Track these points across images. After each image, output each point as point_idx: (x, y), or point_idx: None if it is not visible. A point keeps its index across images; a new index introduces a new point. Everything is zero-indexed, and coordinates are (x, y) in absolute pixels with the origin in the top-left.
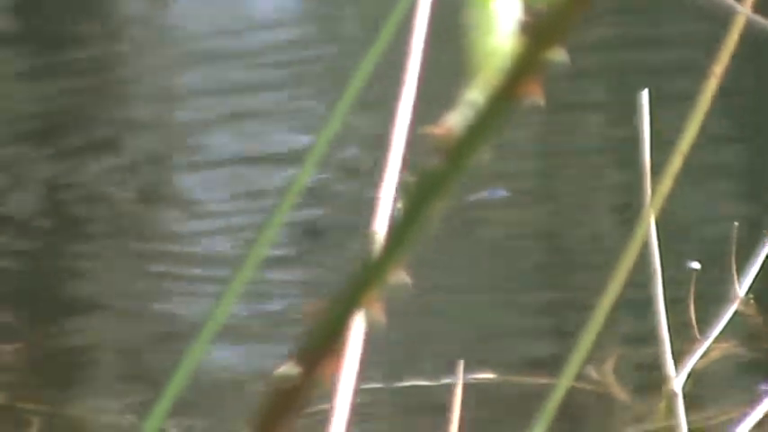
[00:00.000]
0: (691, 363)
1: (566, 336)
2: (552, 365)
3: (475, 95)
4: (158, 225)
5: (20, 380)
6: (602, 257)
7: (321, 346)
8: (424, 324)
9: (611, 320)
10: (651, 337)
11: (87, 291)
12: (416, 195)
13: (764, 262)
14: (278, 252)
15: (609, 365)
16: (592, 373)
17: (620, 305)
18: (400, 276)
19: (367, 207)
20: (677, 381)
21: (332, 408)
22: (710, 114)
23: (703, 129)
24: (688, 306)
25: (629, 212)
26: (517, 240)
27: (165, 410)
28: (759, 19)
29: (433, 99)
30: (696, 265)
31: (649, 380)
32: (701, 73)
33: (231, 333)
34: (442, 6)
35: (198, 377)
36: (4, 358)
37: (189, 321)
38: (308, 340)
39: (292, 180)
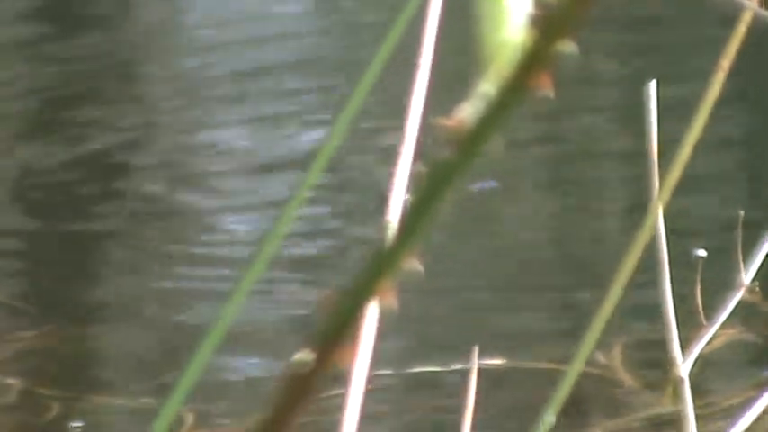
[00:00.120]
0: (697, 349)
1: (575, 322)
2: (562, 351)
3: (486, 88)
4: (178, 210)
5: (39, 366)
6: (611, 245)
7: (335, 333)
8: (434, 312)
9: (619, 307)
10: (658, 324)
11: (105, 279)
12: (428, 185)
13: None
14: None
15: (617, 351)
16: (600, 358)
17: (628, 293)
18: (413, 264)
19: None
20: (684, 366)
21: (346, 393)
22: (717, 109)
23: (710, 123)
24: (694, 293)
25: (638, 203)
26: (528, 228)
27: (182, 397)
28: (765, 13)
29: (444, 91)
30: (702, 252)
31: (656, 365)
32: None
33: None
34: (456, 3)
35: (213, 365)
36: (24, 345)
37: (207, 310)
38: (323, 328)
39: (301, 181)
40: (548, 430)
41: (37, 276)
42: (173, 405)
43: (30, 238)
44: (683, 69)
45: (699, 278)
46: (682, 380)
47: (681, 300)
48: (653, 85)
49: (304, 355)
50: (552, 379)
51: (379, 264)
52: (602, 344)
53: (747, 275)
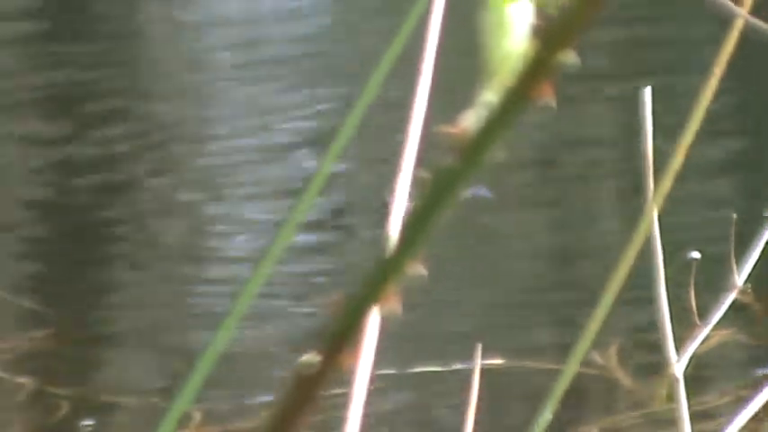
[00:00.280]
0: (691, 348)
1: (571, 323)
2: (559, 351)
3: (489, 96)
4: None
5: (50, 365)
6: (606, 248)
7: (340, 336)
8: (437, 313)
9: (615, 308)
10: (653, 324)
11: (114, 281)
12: (432, 192)
13: (762, 252)
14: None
15: (613, 351)
16: (596, 358)
17: (624, 294)
18: (417, 269)
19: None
20: (678, 366)
21: (350, 392)
22: (711, 111)
23: (704, 124)
24: (689, 294)
25: (633, 206)
26: (525, 232)
27: (192, 395)
28: (757, 22)
29: (448, 99)
30: (696, 254)
31: (651, 365)
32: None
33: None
34: (456, 9)
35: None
36: (35, 345)
37: (214, 308)
38: (329, 330)
39: (313, 175)
40: (545, 428)
41: (48, 277)
42: (181, 404)
43: (40, 239)
44: (679, 69)
45: (693, 280)
46: (676, 379)
47: (676, 299)
48: (648, 91)
49: (311, 357)
50: (550, 378)
51: (384, 269)
52: (599, 344)
53: (740, 277)
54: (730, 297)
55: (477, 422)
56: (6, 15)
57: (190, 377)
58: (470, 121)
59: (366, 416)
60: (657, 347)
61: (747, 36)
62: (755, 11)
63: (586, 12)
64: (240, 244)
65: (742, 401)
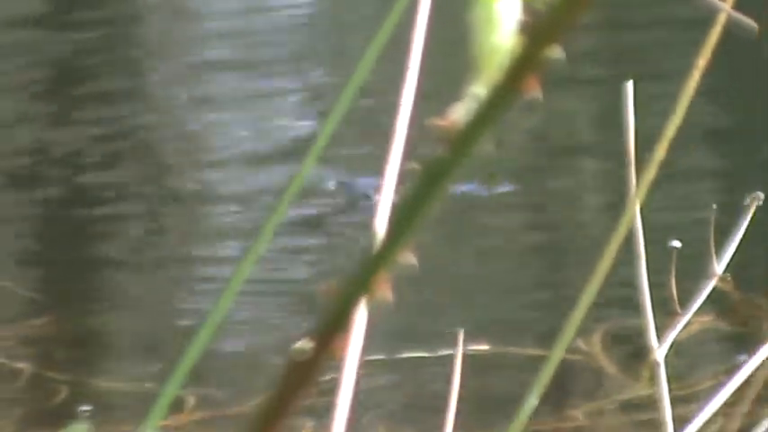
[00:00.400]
0: (672, 335)
1: (557, 311)
2: (544, 338)
3: (478, 90)
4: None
5: (48, 351)
6: (590, 240)
7: (332, 324)
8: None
9: (598, 297)
10: (635, 312)
11: (111, 271)
12: (422, 182)
13: (740, 242)
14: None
15: (596, 338)
16: (581, 345)
17: (607, 283)
18: (407, 258)
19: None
20: (659, 352)
21: (340, 377)
22: (693, 106)
23: (686, 120)
24: (669, 283)
25: (616, 200)
26: (512, 225)
27: (181, 380)
28: (740, 17)
29: (438, 92)
30: (677, 244)
31: (634, 351)
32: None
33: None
34: (446, 6)
35: (214, 349)
36: (34, 332)
37: (209, 299)
38: (321, 319)
39: (294, 176)
40: (531, 412)
41: (46, 265)
42: (171, 388)
43: (38, 227)
44: (660, 68)
45: (673, 268)
46: (658, 364)
47: (657, 288)
48: (630, 85)
49: (304, 344)
50: (535, 364)
51: (374, 260)
52: (583, 331)
53: (720, 266)
54: (710, 285)
55: (464, 406)
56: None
57: (179, 364)
58: (459, 113)
59: (355, 400)
60: (639, 334)
61: (731, 30)
62: (738, 6)
63: (573, 9)
64: (235, 225)
65: (721, 386)
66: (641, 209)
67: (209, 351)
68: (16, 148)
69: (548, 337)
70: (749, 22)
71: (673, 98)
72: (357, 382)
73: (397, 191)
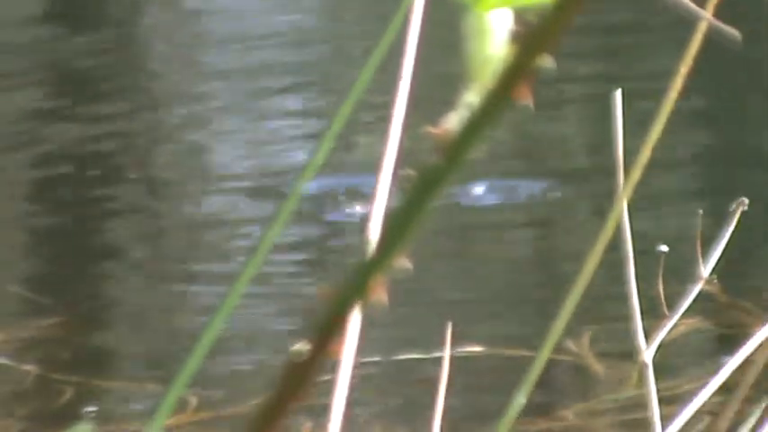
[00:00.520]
0: (660, 336)
1: (546, 313)
2: (534, 339)
3: (471, 98)
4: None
5: (54, 353)
6: (580, 242)
7: (329, 327)
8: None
9: (587, 298)
10: (624, 314)
11: (116, 273)
12: (416, 189)
13: (726, 246)
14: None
15: (585, 339)
16: (570, 345)
17: (596, 284)
18: (402, 263)
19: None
20: (647, 353)
21: (336, 378)
22: (677, 109)
23: (670, 124)
24: (657, 285)
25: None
26: (503, 232)
27: (185, 381)
28: (720, 24)
29: (432, 101)
30: (664, 248)
31: (622, 352)
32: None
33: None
34: (441, 17)
35: (217, 351)
36: (40, 333)
37: (210, 300)
38: (318, 322)
39: (293, 188)
40: (519, 411)
41: (52, 269)
42: (175, 389)
43: (44, 232)
44: (644, 72)
45: (661, 272)
46: (646, 365)
47: (645, 290)
48: (618, 93)
49: (301, 346)
50: (525, 364)
51: (370, 264)
52: (573, 333)
53: (706, 269)
54: (697, 288)
55: (454, 406)
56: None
57: (184, 366)
58: (453, 122)
59: (350, 401)
60: (628, 335)
61: (711, 37)
62: (718, 13)
63: (563, 18)
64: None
65: (702, 386)
66: (629, 210)
67: (211, 353)
68: (22, 157)
69: (537, 338)
70: (731, 30)
71: (657, 100)
72: (355, 383)
73: (390, 198)
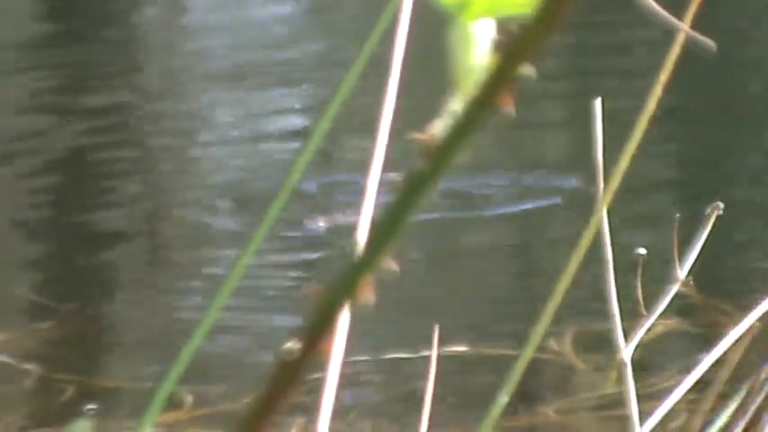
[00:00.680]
0: (638, 336)
1: (529, 313)
2: (517, 339)
3: (455, 106)
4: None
5: (54, 353)
6: (562, 246)
7: (318, 326)
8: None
9: (569, 299)
10: (603, 314)
11: (115, 276)
12: (403, 193)
13: (702, 249)
14: None
15: (567, 339)
16: (553, 345)
17: (577, 286)
18: (389, 264)
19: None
20: (626, 351)
21: (325, 376)
22: (655, 118)
23: (649, 132)
24: (635, 287)
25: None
26: (489, 237)
27: (177, 378)
28: (697, 35)
29: (418, 109)
30: (642, 251)
31: (602, 351)
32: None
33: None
34: (426, 27)
35: (210, 348)
36: (41, 335)
37: (202, 303)
38: (308, 321)
39: (284, 185)
40: (502, 408)
41: (53, 271)
42: (167, 386)
43: (45, 234)
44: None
45: (639, 274)
46: (625, 364)
47: (624, 292)
48: (598, 101)
49: (292, 345)
50: (509, 363)
51: (358, 265)
52: (555, 333)
53: (683, 271)
54: (673, 289)
55: (443, 403)
56: (17, 18)
57: (175, 364)
58: (438, 128)
59: (344, 398)
60: (608, 335)
61: (689, 47)
62: (695, 23)
63: (544, 29)
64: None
65: (677, 384)
66: (608, 216)
67: (206, 351)
68: (22, 152)
69: (520, 338)
70: (707, 41)
71: (636, 110)
72: (346, 381)
73: (377, 201)
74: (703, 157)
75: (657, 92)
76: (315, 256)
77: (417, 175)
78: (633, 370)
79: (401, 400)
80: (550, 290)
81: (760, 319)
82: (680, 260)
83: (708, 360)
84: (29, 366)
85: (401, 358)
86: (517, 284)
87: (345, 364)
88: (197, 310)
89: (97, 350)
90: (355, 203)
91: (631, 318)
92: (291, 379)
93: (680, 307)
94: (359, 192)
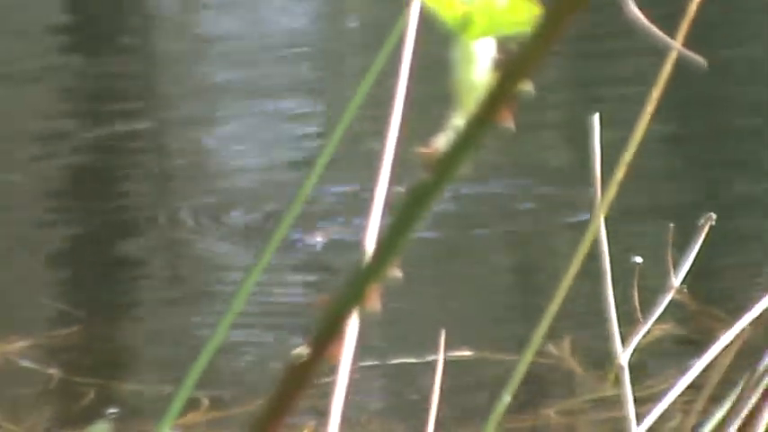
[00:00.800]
0: (634, 341)
1: (529, 320)
2: (518, 345)
3: (457, 121)
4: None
5: (75, 359)
6: (561, 254)
7: (327, 332)
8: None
9: (568, 306)
10: (601, 320)
11: (137, 280)
12: (407, 204)
13: (696, 257)
14: None
15: (566, 344)
16: (553, 350)
17: (576, 293)
18: (394, 273)
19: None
20: (623, 356)
21: (334, 381)
22: (648, 131)
23: (643, 144)
24: (632, 294)
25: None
26: (489, 246)
27: (193, 384)
28: (688, 53)
29: (422, 124)
30: (639, 259)
31: (600, 356)
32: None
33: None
34: (430, 46)
35: (225, 354)
36: (63, 341)
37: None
38: (317, 328)
39: (298, 192)
40: (505, 409)
41: (74, 280)
42: (185, 390)
43: (67, 248)
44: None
45: (636, 281)
46: (622, 368)
47: (621, 298)
48: (596, 117)
49: (302, 350)
50: (510, 367)
51: (365, 273)
52: (555, 338)
53: (677, 279)
54: (668, 296)
55: (447, 405)
56: (37, 31)
57: (192, 369)
58: (441, 142)
59: (353, 401)
60: (605, 340)
61: (682, 64)
62: (687, 41)
63: (542, 48)
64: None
65: (674, 386)
66: (606, 225)
67: (222, 357)
68: (46, 158)
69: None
70: (698, 57)
71: (633, 121)
72: (354, 385)
73: (384, 212)
74: (698, 170)
75: (651, 107)
76: (312, 272)
77: (421, 188)
78: (630, 373)
79: (408, 402)
80: (550, 297)
81: (750, 325)
82: (675, 268)
83: (701, 364)
84: (52, 371)
85: (408, 363)
86: (518, 292)
87: (354, 368)
88: (215, 318)
89: (117, 355)
90: (348, 218)
91: (628, 324)
92: (301, 383)
93: (674, 313)
94: (356, 204)
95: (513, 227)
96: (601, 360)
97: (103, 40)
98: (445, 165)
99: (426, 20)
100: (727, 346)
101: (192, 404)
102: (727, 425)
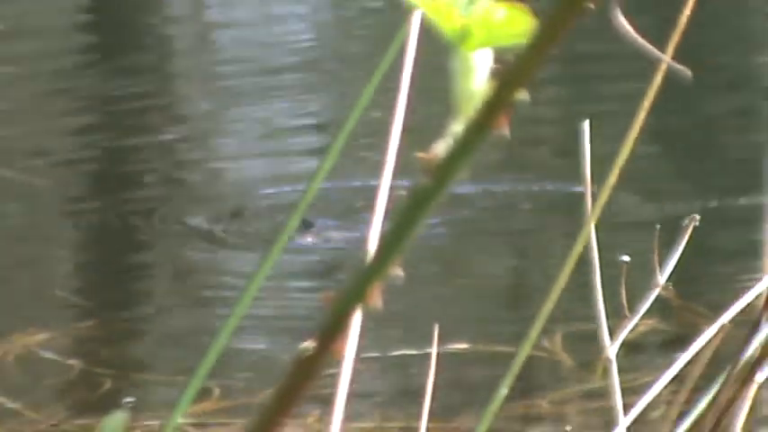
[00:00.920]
0: (622, 336)
1: (524, 315)
2: (513, 338)
3: (456, 127)
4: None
5: (94, 350)
6: (553, 255)
7: (332, 327)
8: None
9: (560, 302)
10: (590, 316)
11: (153, 276)
12: (408, 207)
13: (680, 256)
14: None
15: (558, 338)
16: (545, 343)
17: (567, 290)
18: (396, 271)
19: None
20: (611, 350)
21: (339, 372)
22: (641, 137)
23: (635, 148)
24: (620, 291)
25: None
26: (485, 244)
27: (205, 374)
28: (677, 66)
29: (423, 131)
30: (626, 258)
31: (589, 349)
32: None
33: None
34: (430, 57)
35: (235, 346)
36: (82, 333)
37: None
38: (322, 323)
39: (303, 193)
40: (502, 400)
41: (93, 275)
42: (197, 380)
43: (85, 244)
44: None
45: (623, 279)
46: (610, 361)
47: (609, 295)
48: (586, 123)
49: (308, 344)
50: (505, 359)
51: (368, 272)
52: (547, 332)
53: (663, 276)
54: (654, 293)
55: (445, 395)
56: (59, 28)
57: (204, 359)
58: (440, 148)
59: (355, 391)
60: (594, 334)
61: (670, 74)
62: (676, 53)
63: (537, 58)
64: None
65: (659, 378)
66: (596, 226)
67: (232, 348)
68: (65, 159)
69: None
70: (684, 70)
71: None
72: (356, 376)
73: (386, 214)
74: (682, 177)
75: (642, 113)
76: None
77: (421, 191)
78: (617, 366)
79: (407, 392)
80: (544, 293)
81: (731, 321)
82: (660, 266)
83: (684, 357)
84: (72, 362)
85: (407, 355)
86: (513, 287)
87: (357, 360)
88: (226, 309)
89: (133, 347)
90: (341, 218)
91: (616, 319)
92: (307, 374)
93: (660, 309)
94: (349, 203)
95: (509, 222)
96: (590, 353)
97: (121, 45)
98: (444, 169)
99: (427, 31)
100: (709, 341)
101: (203, 394)
102: (709, 415)
